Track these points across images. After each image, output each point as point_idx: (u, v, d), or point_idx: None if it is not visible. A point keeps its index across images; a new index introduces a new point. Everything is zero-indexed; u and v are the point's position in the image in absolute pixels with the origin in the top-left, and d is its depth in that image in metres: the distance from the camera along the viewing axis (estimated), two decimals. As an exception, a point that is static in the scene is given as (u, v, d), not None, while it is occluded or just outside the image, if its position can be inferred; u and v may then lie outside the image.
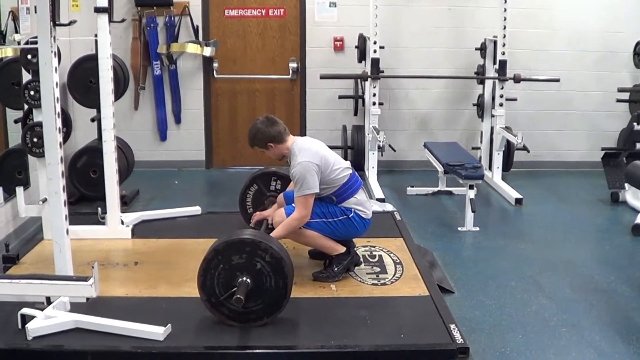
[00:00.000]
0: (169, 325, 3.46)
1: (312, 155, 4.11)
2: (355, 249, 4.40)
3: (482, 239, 5.48)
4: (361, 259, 4.41)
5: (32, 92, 4.66)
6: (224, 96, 7.78)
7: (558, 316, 3.99)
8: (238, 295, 3.41)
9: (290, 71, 7.70)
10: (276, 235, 4.01)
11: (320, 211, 4.17)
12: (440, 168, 6.20)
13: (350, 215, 4.20)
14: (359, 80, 7.37)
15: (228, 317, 3.57)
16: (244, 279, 3.51)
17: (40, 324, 3.43)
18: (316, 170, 4.06)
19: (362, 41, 7.24)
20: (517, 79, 7.06)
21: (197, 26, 7.42)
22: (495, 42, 7.16)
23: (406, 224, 5.46)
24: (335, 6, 7.55)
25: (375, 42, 6.88)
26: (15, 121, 5.39)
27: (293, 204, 4.15)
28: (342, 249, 4.27)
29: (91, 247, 4.78)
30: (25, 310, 3.48)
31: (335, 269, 4.23)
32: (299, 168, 4.04)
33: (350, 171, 4.28)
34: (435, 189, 6.74)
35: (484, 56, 7.41)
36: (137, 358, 3.31)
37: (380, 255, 4.68)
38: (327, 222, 4.18)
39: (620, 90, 7.27)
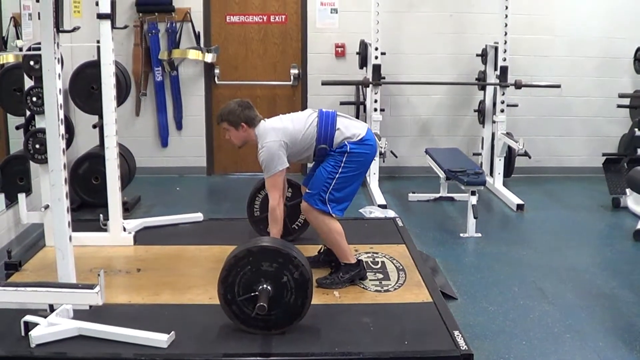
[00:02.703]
0: (172, 332, 3.46)
1: (272, 134, 4.11)
2: (357, 254, 4.38)
3: (484, 245, 5.47)
4: (367, 275, 4.37)
5: (34, 99, 4.66)
6: (225, 102, 7.67)
7: (561, 322, 3.99)
8: (262, 303, 3.37)
9: (292, 77, 7.71)
10: (274, 234, 4.04)
11: (327, 171, 4.11)
12: (441, 174, 6.20)
13: (348, 150, 4.10)
14: (360, 87, 7.38)
15: (236, 317, 3.54)
16: (266, 286, 3.49)
17: (44, 331, 3.42)
18: (277, 147, 4.06)
19: (364, 47, 7.25)
20: (518, 85, 7.07)
21: (199, 32, 7.43)
22: (496, 48, 7.17)
23: (408, 231, 5.46)
24: (337, 12, 7.56)
25: (376, 48, 6.88)
26: (17, 127, 5.40)
27: (307, 190, 4.18)
28: (353, 260, 4.25)
29: (93, 254, 4.77)
30: (29, 318, 3.47)
31: (342, 276, 4.21)
32: (262, 153, 4.09)
33: (316, 114, 4.21)
34: (437, 195, 6.73)
35: (485, 62, 7.42)
36: (141, 365, 3.31)
37: (383, 262, 4.67)
38: (342, 174, 4.10)
39: (621, 95, 7.28)
